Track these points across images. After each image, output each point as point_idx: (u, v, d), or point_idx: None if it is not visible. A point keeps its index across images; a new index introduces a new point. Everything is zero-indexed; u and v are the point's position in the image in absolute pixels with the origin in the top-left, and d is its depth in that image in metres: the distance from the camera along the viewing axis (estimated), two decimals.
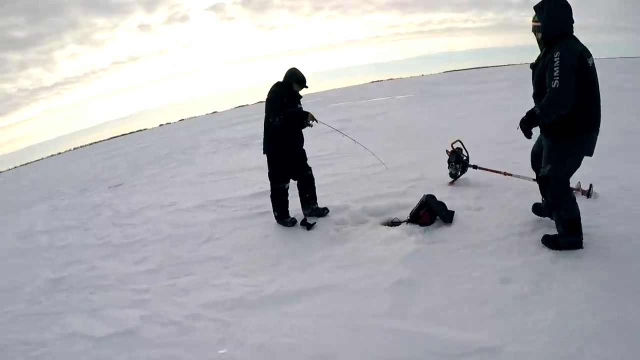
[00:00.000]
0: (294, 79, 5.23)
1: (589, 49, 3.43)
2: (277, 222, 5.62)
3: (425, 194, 4.98)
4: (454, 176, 6.23)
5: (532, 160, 4.23)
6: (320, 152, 10.05)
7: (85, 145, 47.92)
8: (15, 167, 37.31)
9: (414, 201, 5.21)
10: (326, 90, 57.67)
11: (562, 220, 3.70)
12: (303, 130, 5.46)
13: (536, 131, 3.83)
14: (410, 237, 4.55)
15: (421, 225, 4.83)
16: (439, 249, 4.30)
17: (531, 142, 4.17)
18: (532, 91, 3.68)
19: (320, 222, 5.48)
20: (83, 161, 24.24)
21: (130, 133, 50.78)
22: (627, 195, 4.94)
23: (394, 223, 5.16)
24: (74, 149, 47.18)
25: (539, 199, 4.53)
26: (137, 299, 4.35)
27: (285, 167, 5.40)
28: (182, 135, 26.47)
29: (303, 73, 5.26)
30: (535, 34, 3.61)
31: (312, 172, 5.67)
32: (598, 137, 3.63)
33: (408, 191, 6.20)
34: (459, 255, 4.11)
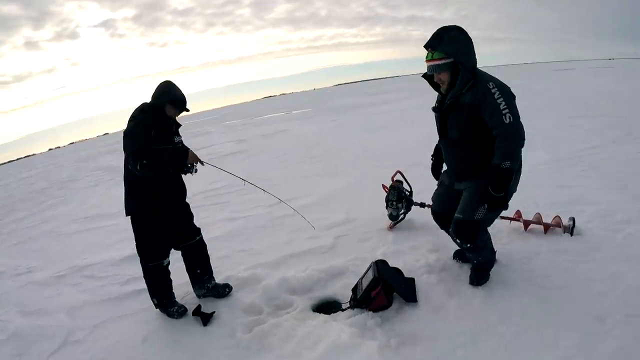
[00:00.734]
0: (168, 99, 3.38)
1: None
2: (160, 310, 3.74)
3: (375, 262, 3.39)
4: (395, 218, 4.70)
5: (439, 220, 3.65)
6: (210, 186, 8.35)
7: None
8: None
9: (347, 262, 3.95)
10: (220, 108, 56.03)
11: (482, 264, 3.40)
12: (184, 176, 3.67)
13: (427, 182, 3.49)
14: (367, 341, 2.86)
15: (374, 311, 3.17)
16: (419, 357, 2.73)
17: None
18: (445, 137, 3.22)
19: (221, 309, 3.66)
20: None
21: (17, 159, 47.53)
22: (613, 224, 4.25)
23: (332, 308, 3.48)
24: None
25: (512, 239, 4.15)
26: None
27: (161, 236, 3.53)
28: (68, 162, 23.73)
29: (182, 91, 3.48)
30: (437, 74, 3.04)
31: (201, 237, 3.87)
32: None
33: (337, 244, 4.61)
34: None
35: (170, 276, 3.71)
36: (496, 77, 2.94)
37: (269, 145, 12.98)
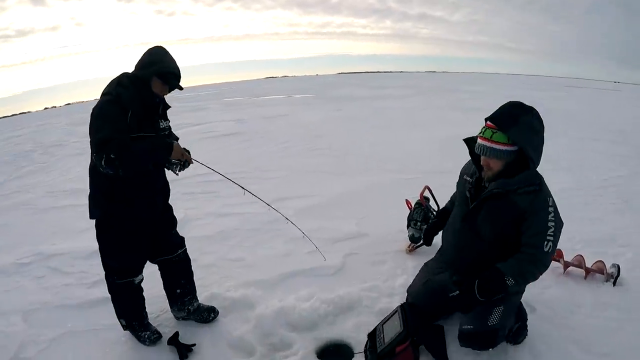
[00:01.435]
0: (156, 70, 2.55)
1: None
2: (131, 333, 3.04)
3: (402, 306, 2.72)
4: (417, 240, 4.05)
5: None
6: (202, 169, 7.46)
7: None
8: None
9: (360, 292, 3.31)
10: (221, 83, 55.04)
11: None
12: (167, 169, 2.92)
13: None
14: None
15: None
16: None
17: None
18: (468, 225, 2.61)
19: (203, 340, 2.98)
20: None
21: (11, 116, 45.05)
22: None
23: (341, 354, 2.84)
24: None
25: (550, 283, 3.53)
26: None
27: (133, 249, 2.80)
28: (59, 123, 22.40)
29: (176, 62, 2.66)
30: (487, 158, 2.40)
31: (185, 250, 3.16)
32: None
33: (346, 265, 3.92)
34: None
35: (143, 293, 3.04)
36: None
37: (269, 130, 12.24)
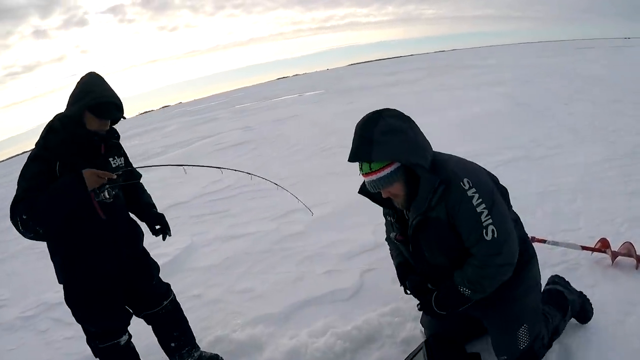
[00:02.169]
0: (86, 104, 2.15)
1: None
2: None
3: (427, 342, 2.30)
4: None
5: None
6: (211, 187, 7.37)
7: None
8: None
9: (379, 318, 2.91)
10: (231, 90, 55.25)
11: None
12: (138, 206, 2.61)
13: None
14: None
15: None
16: None
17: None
18: (423, 264, 2.22)
19: None
20: None
21: (30, 151, 46.08)
22: None
23: None
24: None
25: (597, 280, 3.01)
26: None
27: (108, 309, 2.44)
28: None
29: (110, 87, 2.25)
30: (384, 189, 2.02)
31: (172, 299, 2.76)
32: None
33: (363, 286, 3.49)
34: None
35: (139, 348, 2.68)
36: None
37: (279, 133, 11.91)
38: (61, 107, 2.27)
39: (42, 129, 2.21)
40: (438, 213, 1.96)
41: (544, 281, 2.68)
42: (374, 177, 1.96)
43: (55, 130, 2.13)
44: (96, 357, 2.53)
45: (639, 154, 5.55)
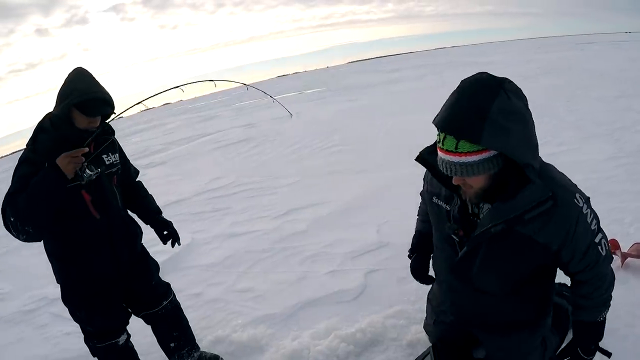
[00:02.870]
0: (72, 102, 2.05)
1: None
2: None
3: (434, 347, 2.23)
4: None
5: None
6: (213, 184, 7.30)
7: None
8: None
9: (384, 320, 2.86)
10: (232, 88, 55.08)
11: None
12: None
13: None
14: None
15: None
16: None
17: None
18: (462, 279, 1.89)
19: None
20: None
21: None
22: None
23: None
24: None
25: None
26: None
27: (105, 310, 2.39)
28: None
29: (98, 83, 2.15)
30: (463, 179, 1.58)
31: (172, 299, 2.70)
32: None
33: (368, 287, 3.42)
34: None
35: (138, 346, 2.65)
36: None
37: (280, 131, 11.76)
38: None
39: None
40: (531, 231, 1.62)
41: None
42: (457, 159, 1.49)
43: (46, 130, 2.09)
44: (94, 356, 2.50)
45: None
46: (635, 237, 3.31)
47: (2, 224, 2.02)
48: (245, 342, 2.92)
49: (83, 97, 2.05)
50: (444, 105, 1.54)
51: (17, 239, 2.06)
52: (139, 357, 2.65)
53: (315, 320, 3.04)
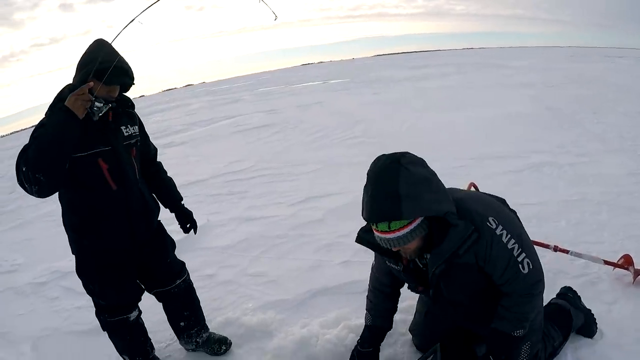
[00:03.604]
0: (91, 70, 2.01)
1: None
2: None
3: (440, 347, 2.21)
4: None
5: None
6: (232, 167, 7.37)
7: (7, 135, 42.05)
8: None
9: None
10: (257, 73, 55.13)
11: None
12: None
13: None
14: None
15: None
16: None
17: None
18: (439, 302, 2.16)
19: None
20: None
21: None
22: None
23: None
24: None
25: (617, 297, 2.89)
26: None
27: (119, 285, 2.42)
28: None
29: (118, 53, 2.11)
30: (401, 247, 1.84)
31: (186, 279, 2.72)
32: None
33: None
34: None
35: (148, 323, 2.69)
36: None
37: (303, 119, 11.77)
38: None
39: None
40: (466, 259, 1.88)
41: (556, 291, 2.70)
42: (392, 235, 1.76)
43: (65, 99, 2.02)
44: (104, 330, 2.54)
45: None
46: None
47: (17, 180, 2.00)
48: (255, 326, 2.94)
49: (102, 65, 2.00)
50: (364, 200, 1.78)
51: (31, 195, 2.02)
52: (148, 334, 2.69)
53: (326, 309, 3.06)
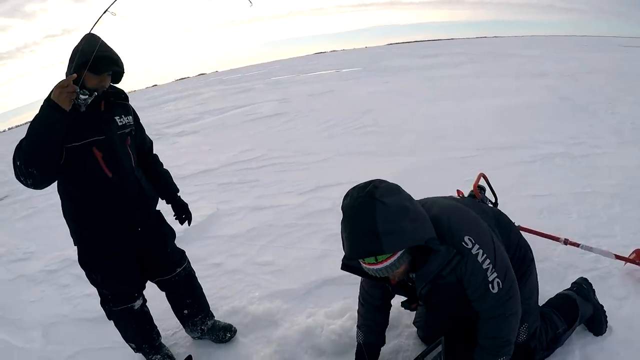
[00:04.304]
0: (82, 61, 2.01)
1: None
2: (143, 355, 2.74)
3: (444, 339, 2.19)
4: None
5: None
6: (243, 156, 7.38)
7: (21, 125, 42.61)
8: None
9: (399, 303, 2.52)
10: (269, 62, 54.95)
11: None
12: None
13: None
14: None
15: None
16: None
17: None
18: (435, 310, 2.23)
19: None
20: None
21: None
22: None
23: None
24: (9, 129, 42.44)
25: (629, 292, 2.81)
26: None
27: (120, 274, 2.44)
28: None
29: (107, 44, 2.14)
30: (389, 275, 1.86)
31: (186, 267, 2.73)
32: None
33: None
34: None
35: (154, 311, 2.71)
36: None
37: (314, 108, 11.75)
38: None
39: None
40: (449, 278, 1.90)
41: (566, 285, 2.67)
42: (380, 266, 1.77)
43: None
44: (110, 319, 2.58)
45: None
46: None
47: (15, 175, 2.04)
48: (261, 315, 2.95)
49: (89, 55, 2.00)
50: (342, 237, 1.77)
51: (28, 188, 2.08)
52: (155, 322, 2.72)
53: (332, 299, 3.05)
